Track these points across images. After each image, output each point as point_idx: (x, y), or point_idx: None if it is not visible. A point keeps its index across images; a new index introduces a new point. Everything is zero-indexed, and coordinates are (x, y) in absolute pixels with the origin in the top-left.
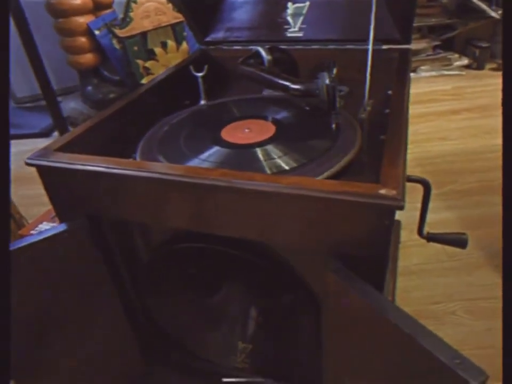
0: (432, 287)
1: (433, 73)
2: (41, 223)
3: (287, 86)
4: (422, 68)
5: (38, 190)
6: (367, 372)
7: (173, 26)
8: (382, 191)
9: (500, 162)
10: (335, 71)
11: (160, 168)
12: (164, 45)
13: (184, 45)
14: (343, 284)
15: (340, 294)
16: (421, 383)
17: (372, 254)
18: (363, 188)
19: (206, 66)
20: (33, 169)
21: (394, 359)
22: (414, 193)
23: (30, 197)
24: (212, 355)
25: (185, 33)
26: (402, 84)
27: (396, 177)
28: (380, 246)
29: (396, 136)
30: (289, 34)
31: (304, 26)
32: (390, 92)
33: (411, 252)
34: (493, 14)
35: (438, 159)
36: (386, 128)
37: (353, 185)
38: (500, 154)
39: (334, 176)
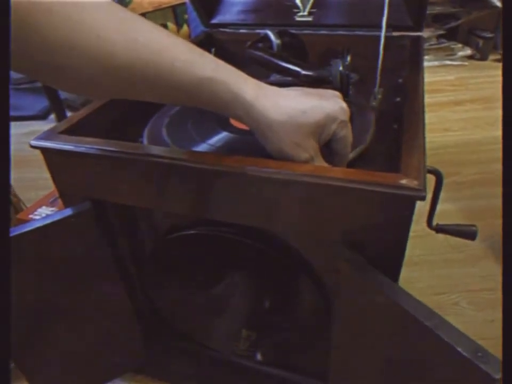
0: (435, 278)
1: (436, 63)
2: (40, 207)
3: (298, 72)
4: (425, 57)
5: (34, 173)
6: (380, 363)
7: (173, 8)
8: (403, 181)
9: None
10: (349, 58)
11: (170, 153)
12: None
13: (185, 28)
14: (358, 274)
15: (353, 285)
16: (440, 375)
17: (389, 245)
18: (383, 177)
19: (213, 50)
20: (29, 153)
21: (411, 352)
22: None
23: (26, 181)
24: (214, 343)
25: (186, 16)
26: (417, 71)
27: (416, 167)
28: (398, 237)
29: (414, 125)
30: (298, 19)
31: (314, 10)
32: (400, 80)
33: (414, 242)
34: (498, 3)
35: (440, 150)
36: (399, 116)
37: (373, 175)
38: None
39: (348, 165)
